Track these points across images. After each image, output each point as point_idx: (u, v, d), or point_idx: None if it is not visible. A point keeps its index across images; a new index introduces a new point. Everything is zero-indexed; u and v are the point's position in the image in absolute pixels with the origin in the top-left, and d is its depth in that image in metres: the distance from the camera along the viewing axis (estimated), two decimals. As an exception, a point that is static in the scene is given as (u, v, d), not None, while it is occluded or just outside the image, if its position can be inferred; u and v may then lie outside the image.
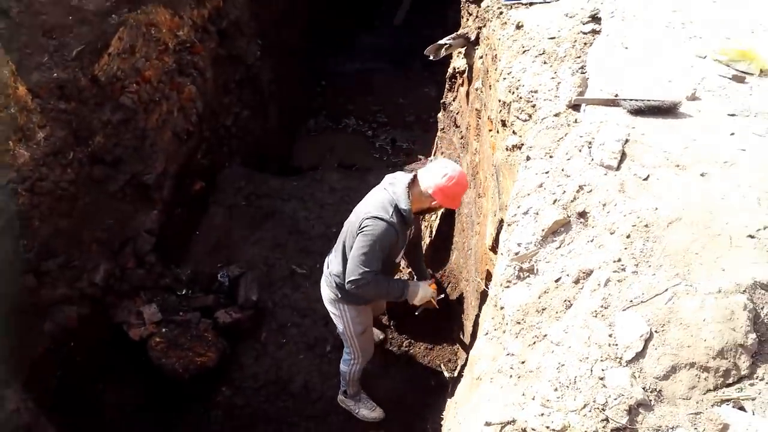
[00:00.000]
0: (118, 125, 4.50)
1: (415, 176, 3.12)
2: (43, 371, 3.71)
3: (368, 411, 4.03)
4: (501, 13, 3.89)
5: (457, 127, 5.41)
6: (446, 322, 4.43)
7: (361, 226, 3.06)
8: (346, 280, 3.11)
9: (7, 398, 2.99)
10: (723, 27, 3.06)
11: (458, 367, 3.98)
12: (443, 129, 5.87)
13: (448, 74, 5.64)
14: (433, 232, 5.10)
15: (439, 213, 4.90)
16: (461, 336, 4.22)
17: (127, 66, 4.59)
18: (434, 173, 3.03)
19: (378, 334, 4.43)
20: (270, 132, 7.22)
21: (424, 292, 3.36)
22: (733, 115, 2.43)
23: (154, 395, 4.27)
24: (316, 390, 4.29)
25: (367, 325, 3.66)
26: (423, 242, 5.02)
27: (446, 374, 4.26)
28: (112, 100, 4.47)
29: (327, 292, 3.54)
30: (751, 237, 1.87)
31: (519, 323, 1.93)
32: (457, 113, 5.43)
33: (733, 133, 2.32)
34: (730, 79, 2.64)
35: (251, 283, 4.71)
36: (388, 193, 3.11)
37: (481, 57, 4.43)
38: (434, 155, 6.00)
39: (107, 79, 4.40)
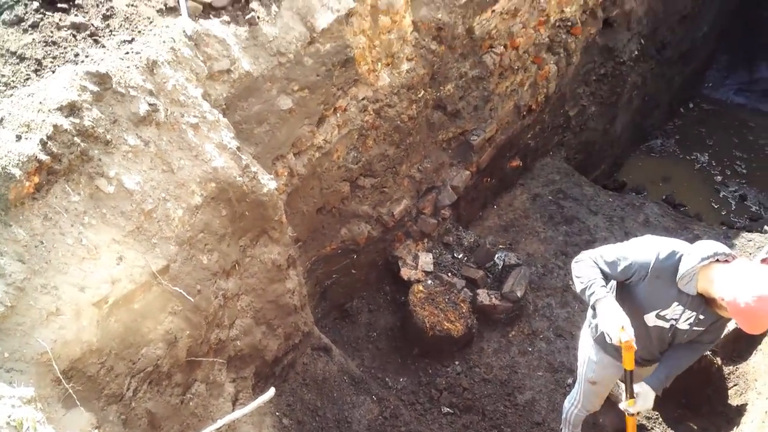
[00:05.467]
0: (470, 81, 4.58)
1: (728, 259, 2.48)
2: (324, 268, 4.12)
3: (580, 465, 3.61)
4: None
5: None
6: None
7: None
8: None
9: (290, 277, 3.35)
10: None
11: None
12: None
13: None
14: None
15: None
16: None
17: (504, 27, 4.60)
18: (744, 280, 2.33)
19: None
20: (609, 137, 6.72)
21: (611, 320, 2.60)
22: None
23: (399, 334, 4.43)
24: (541, 413, 3.99)
25: (602, 380, 3.20)
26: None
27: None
28: (476, 55, 4.54)
29: (586, 319, 3.20)
30: None
31: None
32: None
33: None
34: None
35: (521, 278, 4.52)
36: (685, 247, 2.60)
37: None
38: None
39: (481, 33, 4.46)
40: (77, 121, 2.20)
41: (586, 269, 2.76)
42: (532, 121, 5.35)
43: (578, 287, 2.82)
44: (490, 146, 4.99)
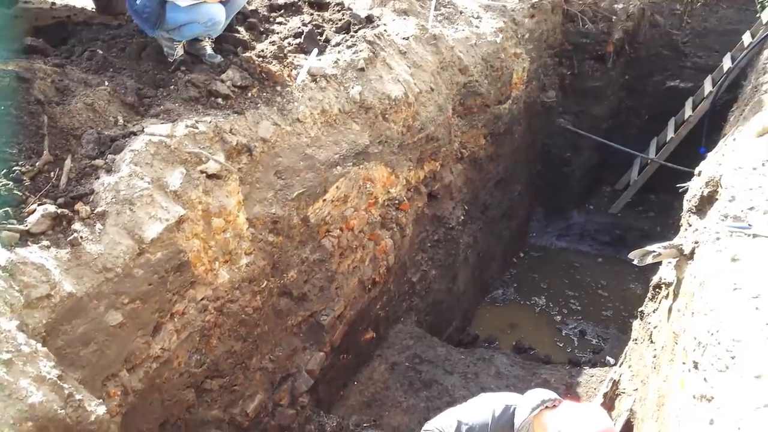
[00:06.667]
0: (313, 264, 4.77)
1: (555, 404, 2.76)
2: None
3: None
4: (718, 238, 3.47)
5: (651, 342, 4.83)
6: None
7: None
8: None
9: None
10: None
11: None
12: (636, 340, 5.28)
13: (652, 282, 5.17)
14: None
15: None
16: None
17: (337, 213, 4.94)
18: (571, 422, 2.60)
19: None
20: (454, 295, 7.16)
21: None
22: None
23: None
24: None
25: None
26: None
27: None
28: (314, 241, 4.78)
29: None
30: None
31: None
32: (654, 327, 4.86)
33: None
34: None
35: (389, 456, 4.44)
36: (517, 400, 2.84)
37: (693, 276, 3.97)
38: (620, 366, 5.40)
39: (316, 221, 4.74)
40: None
41: None
42: (378, 292, 5.59)
43: None
44: (341, 323, 5.09)
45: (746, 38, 7.81)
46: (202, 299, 3.84)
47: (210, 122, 3.96)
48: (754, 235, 3.36)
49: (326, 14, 5.66)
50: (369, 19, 5.74)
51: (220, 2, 4.14)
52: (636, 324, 5.42)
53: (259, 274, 4.27)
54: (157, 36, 4.25)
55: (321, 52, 5.06)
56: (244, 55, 4.56)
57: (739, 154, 4.79)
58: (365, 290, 5.37)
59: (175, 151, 3.69)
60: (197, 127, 3.86)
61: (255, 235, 4.24)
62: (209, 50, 4.41)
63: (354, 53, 5.15)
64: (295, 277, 4.63)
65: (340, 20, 5.53)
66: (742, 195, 4.18)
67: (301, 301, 4.71)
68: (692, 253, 4.08)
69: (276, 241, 4.41)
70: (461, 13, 6.94)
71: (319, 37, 5.20)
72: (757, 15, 7.99)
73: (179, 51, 4.29)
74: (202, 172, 3.83)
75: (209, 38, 4.42)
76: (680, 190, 5.82)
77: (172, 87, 4.15)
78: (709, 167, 5.24)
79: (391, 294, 5.89)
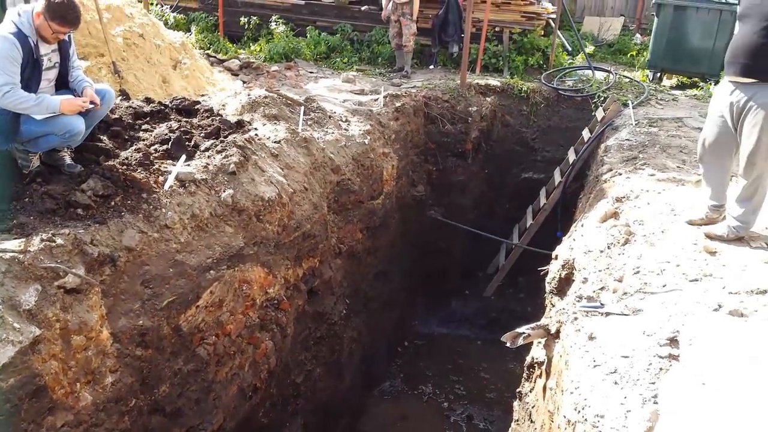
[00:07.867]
0: (187, 375, 4.53)
1: None
2: None
3: None
4: (576, 318, 3.79)
5: (532, 422, 5.01)
6: None
7: None
8: None
9: None
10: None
11: None
12: (517, 421, 5.45)
13: (526, 362, 5.42)
14: None
15: None
16: None
17: (211, 318, 4.78)
18: None
19: None
20: (341, 392, 7.04)
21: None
22: None
23: None
24: None
25: None
26: None
27: None
28: (188, 350, 4.57)
29: None
30: None
31: None
32: (533, 406, 5.07)
33: None
34: None
35: None
36: None
37: (560, 355, 4.24)
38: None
39: (189, 329, 4.55)
40: None
41: None
42: (260, 399, 5.38)
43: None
44: (221, 437, 4.81)
45: (585, 134, 8.84)
46: (62, 426, 3.54)
47: (68, 234, 3.79)
48: (607, 314, 3.71)
49: (195, 120, 5.71)
50: (239, 125, 5.87)
51: (79, 113, 4.07)
52: (516, 404, 5.61)
53: (126, 392, 4.00)
54: (11, 148, 4.07)
55: (190, 158, 5.07)
56: (106, 163, 4.45)
57: (587, 239, 5.32)
58: (246, 398, 5.15)
59: (28, 267, 3.48)
60: (54, 241, 3.68)
61: (121, 350, 4.00)
62: (68, 160, 4.27)
63: (224, 158, 5.21)
64: (167, 391, 4.36)
65: (210, 126, 5.60)
66: (593, 276, 4.62)
67: (176, 417, 4.42)
68: (558, 332, 4.39)
69: (145, 354, 4.17)
70: (330, 117, 7.30)
71: (187, 143, 5.21)
72: (593, 113, 9.13)
73: (35, 162, 4.11)
74: (59, 287, 3.62)
75: (68, 148, 4.30)
76: (542, 273, 6.29)
77: (26, 200, 3.95)
78: (564, 251, 5.75)
79: (275, 399, 5.68)
